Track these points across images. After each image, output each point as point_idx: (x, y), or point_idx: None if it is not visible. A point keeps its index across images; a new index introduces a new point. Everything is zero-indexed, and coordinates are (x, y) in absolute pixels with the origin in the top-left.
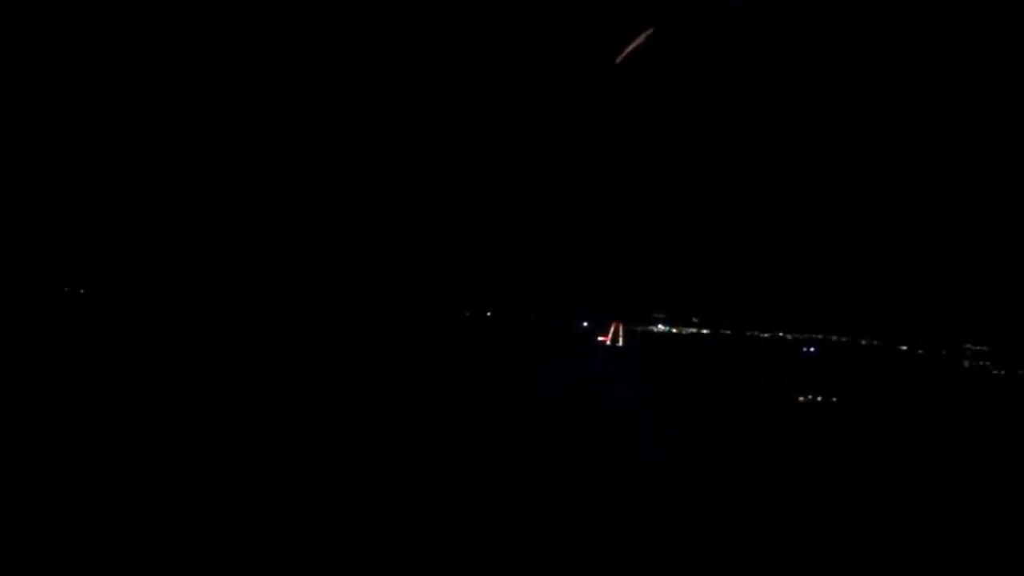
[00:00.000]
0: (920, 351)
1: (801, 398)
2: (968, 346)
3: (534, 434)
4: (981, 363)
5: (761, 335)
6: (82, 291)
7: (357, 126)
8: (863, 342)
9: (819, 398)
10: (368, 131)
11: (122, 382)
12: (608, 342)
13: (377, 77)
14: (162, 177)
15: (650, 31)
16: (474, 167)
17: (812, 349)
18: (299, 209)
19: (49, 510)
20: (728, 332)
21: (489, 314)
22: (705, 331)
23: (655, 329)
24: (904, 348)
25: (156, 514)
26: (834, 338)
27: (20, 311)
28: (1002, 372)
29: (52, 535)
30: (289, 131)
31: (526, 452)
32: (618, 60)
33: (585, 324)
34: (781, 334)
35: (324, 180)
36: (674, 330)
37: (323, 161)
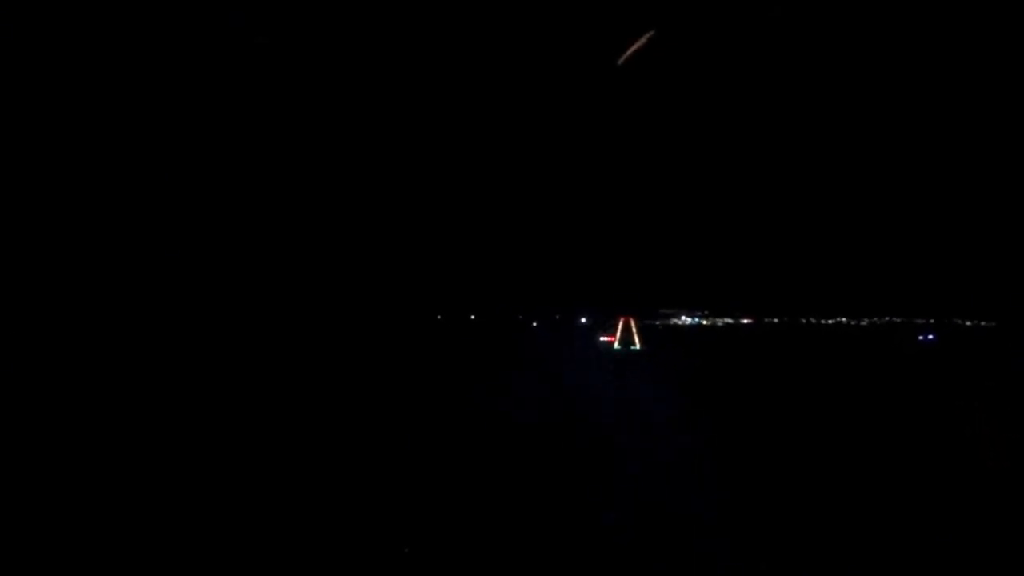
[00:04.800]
0: None
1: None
2: None
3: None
4: None
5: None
6: (80, 292)
7: (358, 130)
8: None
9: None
10: (368, 134)
11: (122, 384)
12: (616, 344)
13: (378, 80)
14: (160, 180)
15: (651, 33)
16: (471, 165)
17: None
18: (300, 212)
19: (49, 510)
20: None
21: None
22: (745, 321)
23: (680, 323)
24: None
25: (154, 515)
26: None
27: (20, 314)
28: None
29: (52, 535)
30: (290, 135)
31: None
32: (620, 62)
33: (583, 320)
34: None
35: (325, 184)
36: (705, 323)
37: (324, 165)
